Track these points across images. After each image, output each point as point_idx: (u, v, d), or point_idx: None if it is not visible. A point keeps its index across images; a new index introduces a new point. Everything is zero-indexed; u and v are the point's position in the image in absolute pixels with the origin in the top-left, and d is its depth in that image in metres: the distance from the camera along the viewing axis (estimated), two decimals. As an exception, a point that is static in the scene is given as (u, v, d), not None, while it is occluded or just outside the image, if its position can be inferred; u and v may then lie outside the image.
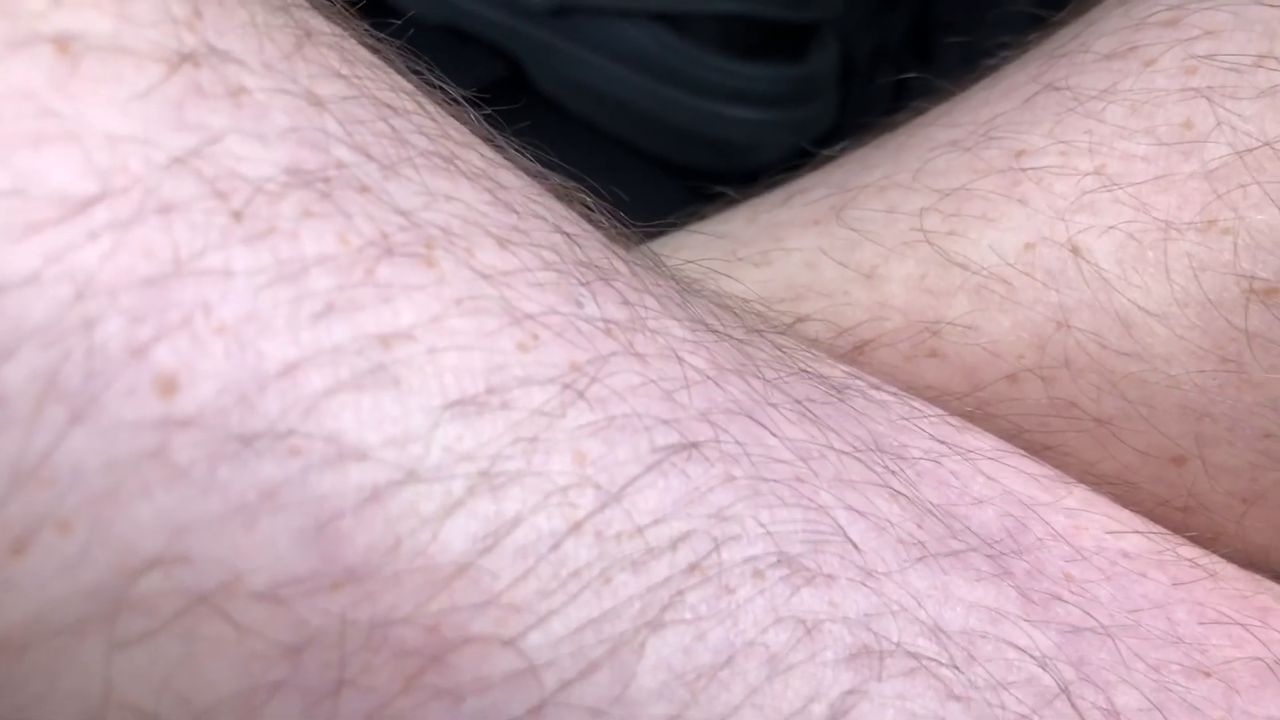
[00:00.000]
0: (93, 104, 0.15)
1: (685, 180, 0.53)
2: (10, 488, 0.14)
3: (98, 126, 0.15)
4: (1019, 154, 0.24)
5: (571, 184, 0.22)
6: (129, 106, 0.15)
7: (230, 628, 0.15)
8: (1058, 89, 0.25)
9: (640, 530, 0.17)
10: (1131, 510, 0.22)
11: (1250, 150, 0.22)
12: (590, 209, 0.22)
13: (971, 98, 0.27)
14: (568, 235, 0.19)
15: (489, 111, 0.22)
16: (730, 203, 0.28)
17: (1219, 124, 0.23)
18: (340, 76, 0.18)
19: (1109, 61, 0.25)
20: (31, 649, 0.14)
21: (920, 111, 0.28)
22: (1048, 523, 0.21)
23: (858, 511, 0.19)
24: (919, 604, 0.19)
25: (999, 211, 0.24)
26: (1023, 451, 0.23)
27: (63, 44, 0.15)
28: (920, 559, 0.19)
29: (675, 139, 0.53)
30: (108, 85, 0.15)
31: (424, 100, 0.20)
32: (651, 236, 0.26)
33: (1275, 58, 0.23)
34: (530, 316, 0.17)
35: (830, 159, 0.28)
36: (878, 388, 0.22)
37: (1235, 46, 0.23)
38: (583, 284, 0.19)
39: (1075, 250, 0.23)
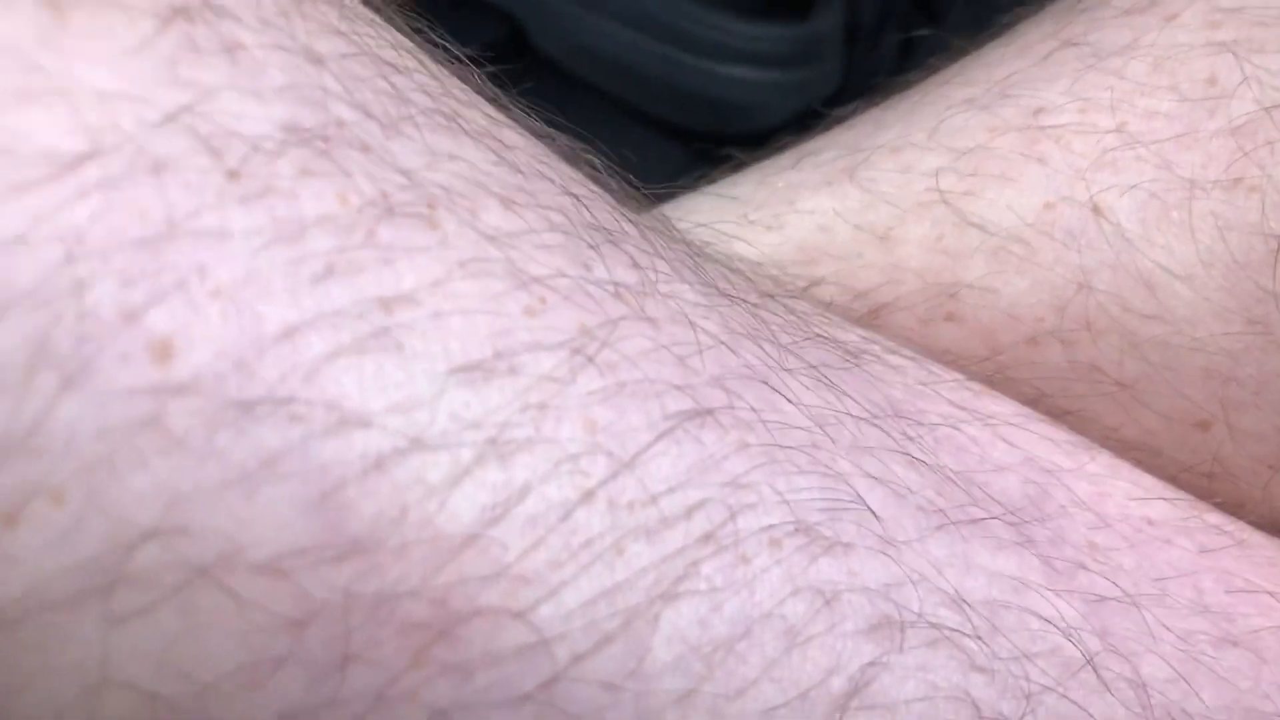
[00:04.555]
0: (82, 60, 0.14)
1: (688, 142, 0.52)
2: (0, 457, 0.13)
3: (87, 83, 0.14)
4: (1037, 112, 0.24)
5: (579, 145, 0.21)
6: (120, 62, 0.15)
7: (231, 601, 0.14)
8: (1076, 45, 0.24)
9: (653, 499, 0.16)
10: (1155, 476, 0.22)
11: (1278, 106, 0.22)
12: (598, 170, 0.21)
13: (987, 55, 0.26)
14: (575, 197, 0.19)
15: (492, 70, 0.21)
16: (739, 165, 0.27)
17: (1245, 79, 0.22)
18: (339, 33, 0.18)
19: (1129, 16, 0.24)
20: (26, 624, 0.14)
21: (933, 70, 0.27)
22: (1070, 489, 0.20)
23: (876, 479, 0.19)
24: (940, 573, 0.18)
25: (1017, 171, 0.23)
26: (1044, 416, 0.22)
27: None
28: (940, 527, 0.19)
29: (677, 100, 0.52)
30: (97, 40, 0.15)
31: (425, 58, 0.19)
32: (660, 199, 0.26)
33: None
34: (537, 280, 0.17)
35: (841, 120, 0.27)
36: (894, 352, 0.22)
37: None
38: (591, 246, 0.18)
39: (1096, 210, 0.23)
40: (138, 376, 0.14)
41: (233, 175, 0.15)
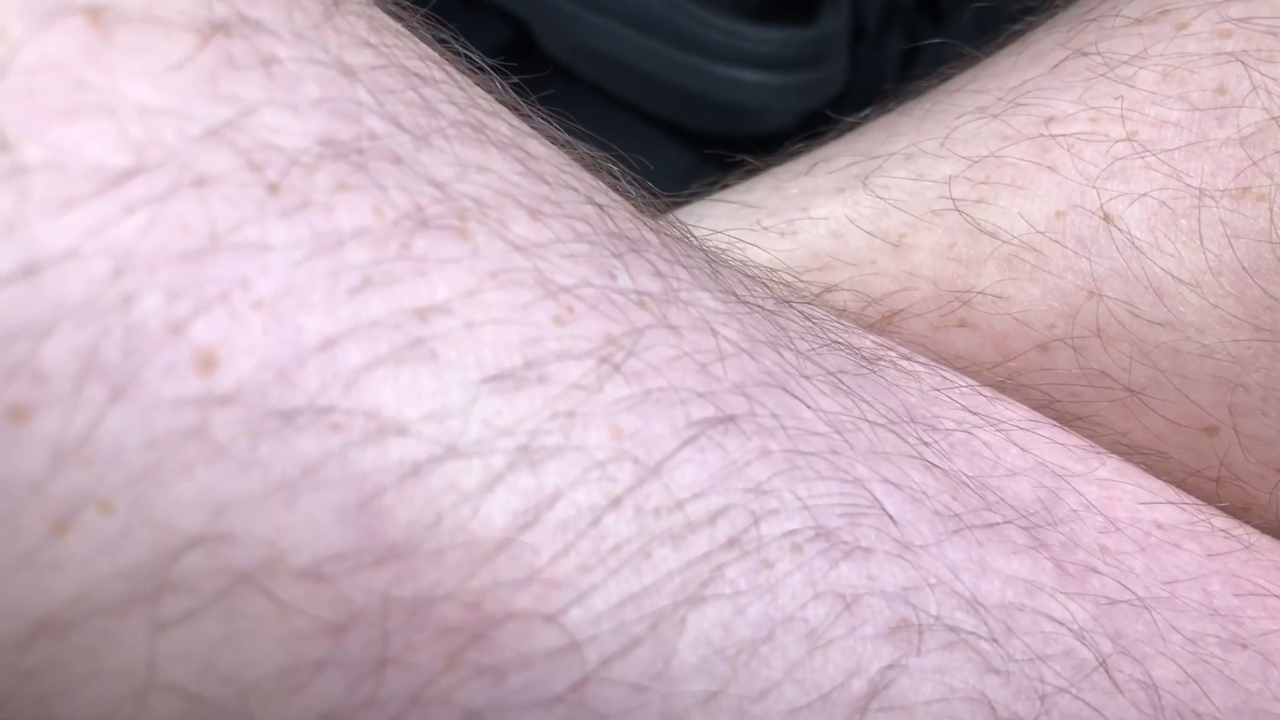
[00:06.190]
0: (126, 76, 0.15)
1: (694, 144, 0.52)
2: (52, 467, 0.14)
3: (131, 99, 0.15)
4: (1048, 120, 0.24)
5: (599, 153, 0.22)
6: (162, 78, 0.15)
7: (273, 606, 0.15)
8: (1087, 54, 0.25)
9: (679, 505, 0.17)
10: (1164, 481, 0.22)
11: (1287, 116, 0.22)
12: (617, 178, 0.22)
13: (998, 64, 0.26)
14: (599, 206, 0.19)
15: (515, 80, 0.21)
16: (752, 171, 0.28)
17: (1254, 89, 0.22)
18: (369, 45, 0.18)
19: (1140, 26, 0.25)
20: (75, 629, 0.14)
21: (945, 78, 0.27)
22: (1081, 494, 0.21)
23: (893, 484, 0.19)
24: (956, 577, 0.18)
25: (1029, 179, 0.24)
26: (1055, 422, 0.22)
27: (95, 15, 0.15)
28: (956, 531, 0.19)
29: (684, 103, 0.53)
30: (141, 56, 0.15)
31: (450, 69, 0.20)
32: (676, 206, 0.26)
33: None
34: (565, 289, 0.17)
35: (854, 126, 0.27)
36: (908, 358, 0.22)
37: (1271, 9, 0.23)
38: (615, 255, 0.18)
39: (1107, 218, 0.23)
40: (183, 387, 0.14)
41: (272, 189, 0.15)
